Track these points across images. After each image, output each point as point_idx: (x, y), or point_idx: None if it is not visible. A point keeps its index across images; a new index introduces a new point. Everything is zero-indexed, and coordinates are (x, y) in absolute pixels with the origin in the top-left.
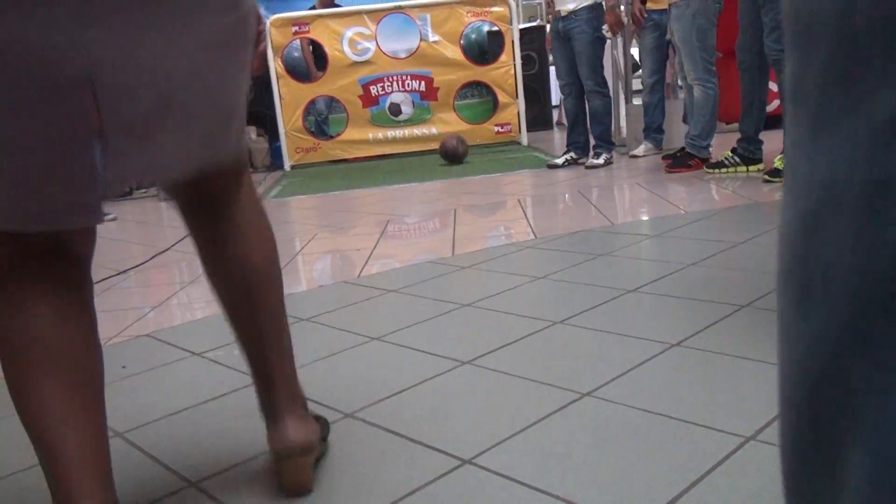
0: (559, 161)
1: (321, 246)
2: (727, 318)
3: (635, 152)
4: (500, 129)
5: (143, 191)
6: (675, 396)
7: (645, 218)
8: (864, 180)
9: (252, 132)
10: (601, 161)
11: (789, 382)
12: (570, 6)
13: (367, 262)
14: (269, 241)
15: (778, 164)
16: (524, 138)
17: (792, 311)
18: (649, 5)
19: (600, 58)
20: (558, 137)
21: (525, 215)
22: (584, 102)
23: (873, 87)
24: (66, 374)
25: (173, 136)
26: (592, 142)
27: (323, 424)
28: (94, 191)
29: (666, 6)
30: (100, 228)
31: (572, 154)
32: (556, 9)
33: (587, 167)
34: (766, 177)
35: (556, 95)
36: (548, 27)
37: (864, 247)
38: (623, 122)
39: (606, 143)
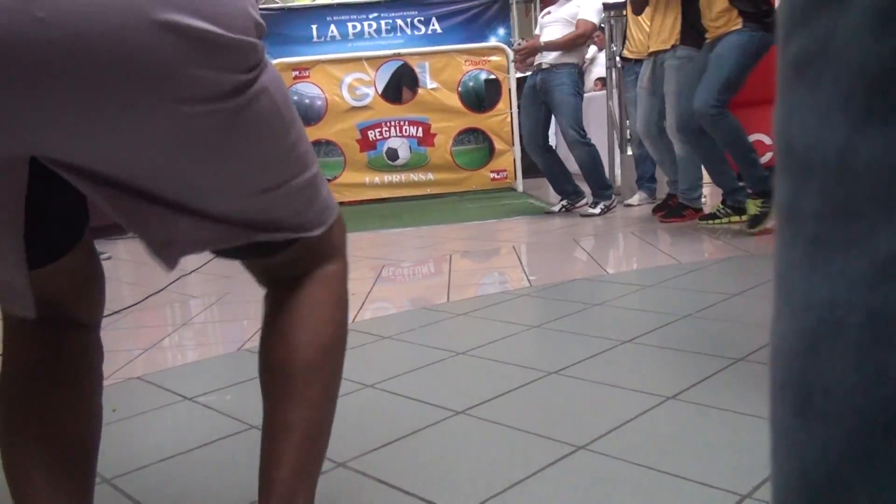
0: (556, 208)
1: None
2: (722, 371)
3: (630, 201)
4: (496, 176)
5: None
6: (670, 451)
7: (639, 267)
8: (868, 308)
9: None
10: (597, 210)
11: (788, 488)
12: (552, 59)
13: (361, 306)
14: (333, 323)
15: (751, 209)
16: (520, 185)
17: (790, 419)
18: (629, 55)
19: (580, 108)
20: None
21: (520, 262)
22: (552, 155)
23: (875, 225)
24: (58, 453)
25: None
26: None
27: None
28: (22, 277)
29: (646, 55)
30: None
31: (567, 201)
32: (538, 62)
33: (583, 216)
34: (749, 229)
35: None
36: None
37: (867, 372)
38: (618, 172)
39: (604, 188)
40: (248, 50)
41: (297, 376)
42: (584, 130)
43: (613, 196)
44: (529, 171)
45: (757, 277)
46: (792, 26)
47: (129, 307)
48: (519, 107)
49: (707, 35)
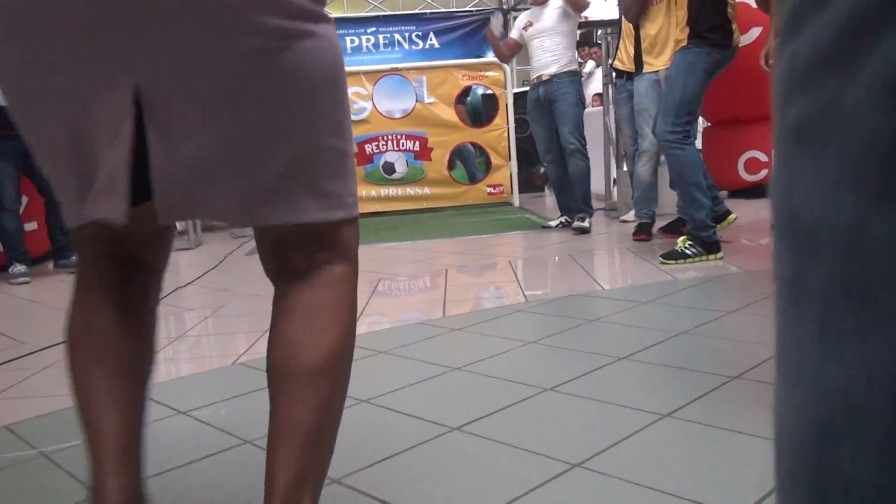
0: (553, 223)
1: None
2: (718, 389)
3: (625, 217)
4: (493, 190)
5: None
6: (666, 470)
7: (635, 284)
8: (891, 395)
9: None
10: (587, 224)
11: None
12: (552, 70)
13: (356, 321)
14: (339, 329)
15: (679, 244)
16: (516, 200)
17: None
18: (620, 65)
19: (581, 119)
20: (550, 200)
21: (516, 277)
22: (566, 169)
23: (889, 309)
24: (114, 368)
25: (225, 169)
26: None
27: None
28: (120, 197)
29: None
30: None
31: (566, 217)
32: (536, 75)
33: (574, 230)
34: (663, 259)
35: None
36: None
37: (894, 466)
38: (614, 187)
39: (589, 206)
40: (309, 10)
41: (304, 379)
42: (584, 140)
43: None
44: (526, 186)
45: (753, 294)
46: (790, 90)
47: None
48: (516, 122)
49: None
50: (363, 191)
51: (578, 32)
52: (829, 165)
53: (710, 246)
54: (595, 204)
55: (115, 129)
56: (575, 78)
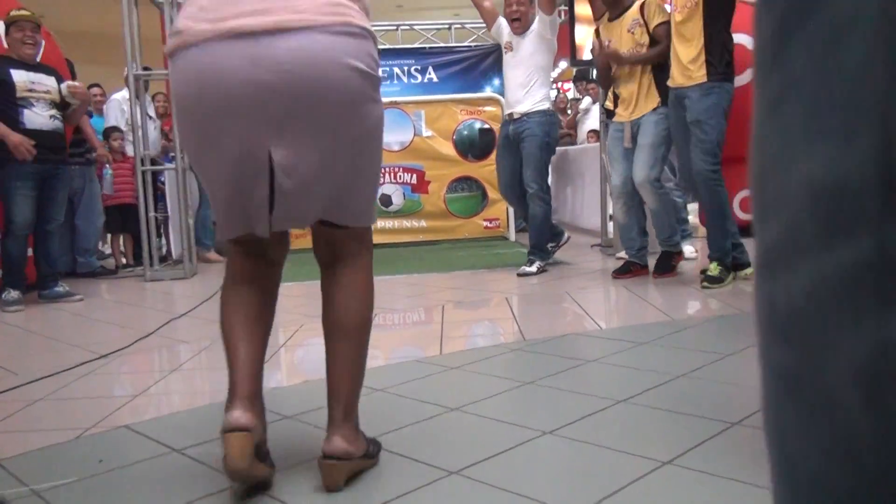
0: (532, 269)
1: (307, 337)
2: (718, 435)
3: (620, 255)
4: (489, 224)
5: (130, 269)
6: None
7: (632, 323)
8: None
9: None
10: (534, 269)
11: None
12: (523, 108)
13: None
14: (366, 299)
15: (713, 270)
16: (512, 234)
17: None
18: (616, 118)
19: (547, 163)
20: None
21: (513, 314)
22: (526, 206)
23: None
24: (249, 320)
25: (317, 194)
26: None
27: (372, 444)
28: (264, 218)
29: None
30: (78, 309)
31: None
32: (508, 111)
33: (519, 275)
34: (709, 285)
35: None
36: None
37: None
38: (610, 224)
39: (541, 251)
40: (378, 80)
41: (350, 330)
42: (546, 185)
43: (547, 259)
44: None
45: (751, 337)
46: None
47: (118, 350)
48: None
49: (671, 82)
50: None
51: (575, 70)
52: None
53: (734, 266)
54: (591, 240)
55: (259, 177)
56: (545, 118)
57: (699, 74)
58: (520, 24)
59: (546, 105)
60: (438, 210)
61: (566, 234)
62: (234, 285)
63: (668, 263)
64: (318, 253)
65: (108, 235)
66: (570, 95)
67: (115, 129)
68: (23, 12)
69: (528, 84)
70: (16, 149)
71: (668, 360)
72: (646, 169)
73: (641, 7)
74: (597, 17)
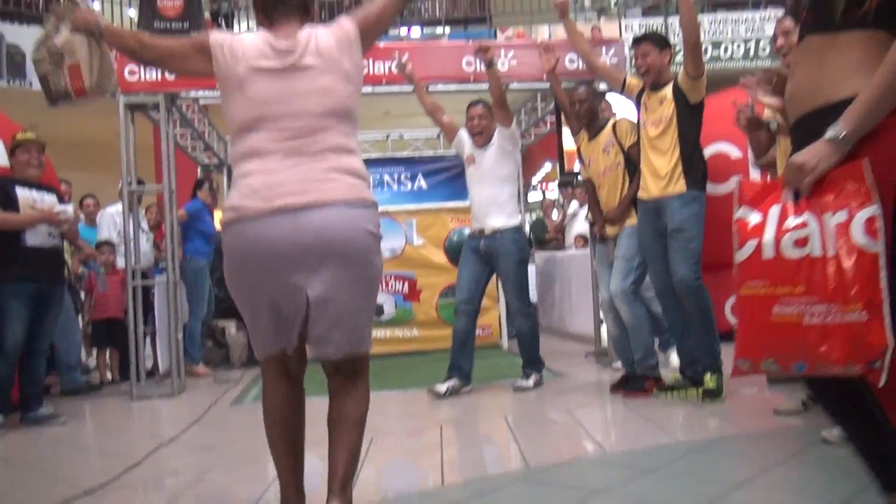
0: (441, 389)
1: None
2: None
3: (616, 365)
4: (481, 333)
5: (115, 385)
6: None
7: (636, 446)
8: None
9: (231, 326)
10: (530, 383)
11: None
12: (495, 224)
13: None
14: (364, 400)
15: (709, 383)
16: (505, 343)
17: None
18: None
19: (525, 278)
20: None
21: (514, 437)
22: (475, 327)
23: None
24: (287, 427)
25: (337, 327)
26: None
27: None
28: (293, 339)
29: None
30: (62, 434)
31: (456, 381)
32: (477, 227)
33: (515, 389)
34: (706, 399)
35: (535, 298)
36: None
37: None
38: (604, 332)
39: (536, 363)
40: (380, 237)
41: (350, 423)
42: (528, 300)
43: (542, 371)
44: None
45: (760, 462)
46: None
47: (102, 486)
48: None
49: (643, 193)
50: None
51: (559, 178)
52: None
53: (698, 381)
54: (584, 348)
55: (297, 312)
56: (518, 234)
57: (679, 185)
58: (482, 138)
59: (516, 220)
60: (430, 319)
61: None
62: (275, 398)
63: (641, 384)
64: (326, 368)
65: (95, 349)
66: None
67: (107, 242)
68: (28, 135)
69: (495, 199)
70: (53, 217)
71: (678, 491)
72: (618, 280)
73: (614, 127)
74: (574, 132)
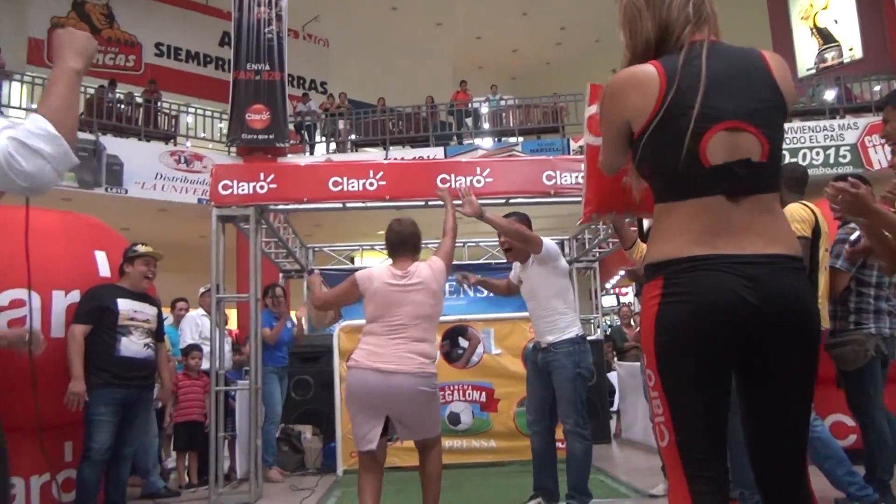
0: None
1: None
2: None
3: (653, 492)
4: (561, 445)
5: (192, 490)
6: None
7: None
8: None
9: (307, 431)
10: None
11: None
12: (550, 338)
13: None
14: (440, 462)
15: None
16: None
17: None
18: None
19: (581, 395)
20: (618, 453)
21: None
22: (552, 442)
23: None
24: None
25: (413, 430)
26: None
27: None
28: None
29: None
30: None
31: (541, 500)
32: (537, 340)
33: None
34: None
35: (615, 405)
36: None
37: None
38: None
39: (582, 493)
40: (433, 391)
41: (434, 479)
42: (584, 419)
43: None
44: (596, 436)
45: None
46: None
47: None
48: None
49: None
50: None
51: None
52: None
53: None
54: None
55: (377, 422)
56: (573, 348)
57: None
58: (512, 255)
59: (574, 331)
60: (507, 430)
61: None
62: (362, 470)
63: None
64: (417, 445)
65: (174, 453)
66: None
67: (195, 346)
68: (150, 249)
69: (546, 315)
70: (77, 397)
71: None
72: None
73: None
74: (626, 247)
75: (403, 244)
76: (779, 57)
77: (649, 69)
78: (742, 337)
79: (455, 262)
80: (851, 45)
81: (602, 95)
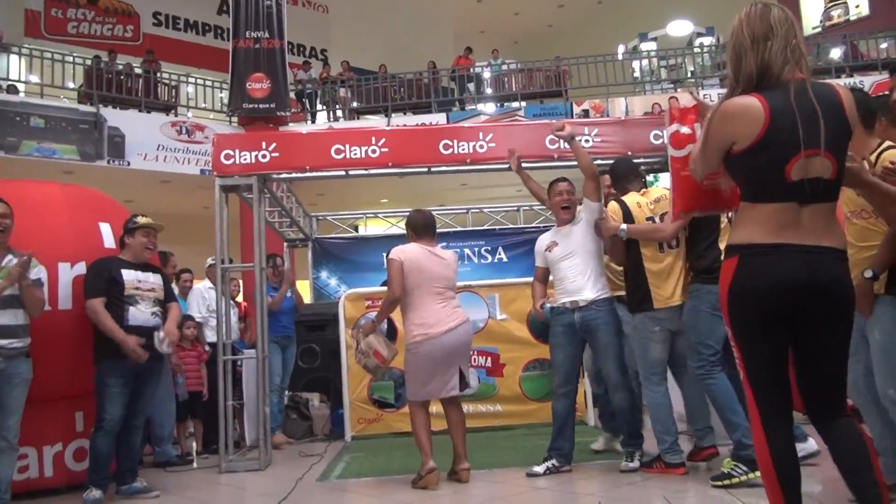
0: (539, 470)
1: None
2: None
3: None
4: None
5: (206, 457)
6: None
7: None
8: None
9: (315, 398)
10: (636, 464)
11: None
12: (590, 295)
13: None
14: (462, 410)
15: (726, 467)
16: (591, 418)
17: None
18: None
19: (623, 350)
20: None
21: None
22: (575, 405)
23: None
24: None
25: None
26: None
27: None
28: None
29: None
30: None
31: (554, 462)
32: (570, 299)
33: (622, 471)
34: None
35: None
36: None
37: None
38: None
39: (636, 440)
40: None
41: (462, 425)
42: (626, 372)
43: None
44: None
45: None
46: None
47: None
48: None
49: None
50: (434, 407)
51: None
52: None
53: (752, 463)
54: (680, 426)
55: (454, 371)
56: (612, 306)
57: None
58: (568, 213)
59: (608, 292)
60: (513, 394)
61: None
62: (420, 414)
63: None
64: (444, 400)
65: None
66: None
67: (189, 317)
68: (149, 220)
69: (586, 271)
70: (133, 352)
71: None
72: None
73: None
74: (618, 262)
75: (427, 227)
76: (847, 91)
77: (756, 104)
78: (795, 304)
79: (460, 229)
80: (858, 1)
81: (713, 118)
